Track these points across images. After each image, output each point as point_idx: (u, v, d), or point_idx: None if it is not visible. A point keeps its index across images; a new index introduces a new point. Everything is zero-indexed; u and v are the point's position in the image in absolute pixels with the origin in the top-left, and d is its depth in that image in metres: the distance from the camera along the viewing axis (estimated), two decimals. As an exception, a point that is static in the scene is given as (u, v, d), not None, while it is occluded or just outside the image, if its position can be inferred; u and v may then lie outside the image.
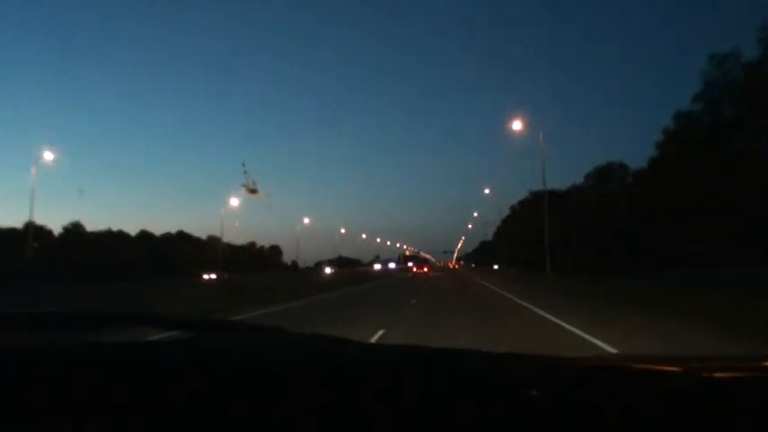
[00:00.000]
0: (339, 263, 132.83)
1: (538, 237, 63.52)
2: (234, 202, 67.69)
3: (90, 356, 1.02)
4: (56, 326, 1.18)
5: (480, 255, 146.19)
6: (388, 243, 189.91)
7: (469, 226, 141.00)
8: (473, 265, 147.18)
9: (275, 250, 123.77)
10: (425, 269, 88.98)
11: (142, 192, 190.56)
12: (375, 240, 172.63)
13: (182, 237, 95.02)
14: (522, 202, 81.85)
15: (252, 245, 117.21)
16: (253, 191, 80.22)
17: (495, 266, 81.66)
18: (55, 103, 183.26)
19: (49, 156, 39.27)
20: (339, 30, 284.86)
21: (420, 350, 1.04)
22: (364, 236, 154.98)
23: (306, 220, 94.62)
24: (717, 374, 0.96)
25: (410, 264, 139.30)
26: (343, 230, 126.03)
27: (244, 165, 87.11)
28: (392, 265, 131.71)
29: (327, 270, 77.61)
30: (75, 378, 0.94)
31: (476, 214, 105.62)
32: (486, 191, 70.18)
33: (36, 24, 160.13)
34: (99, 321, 1.18)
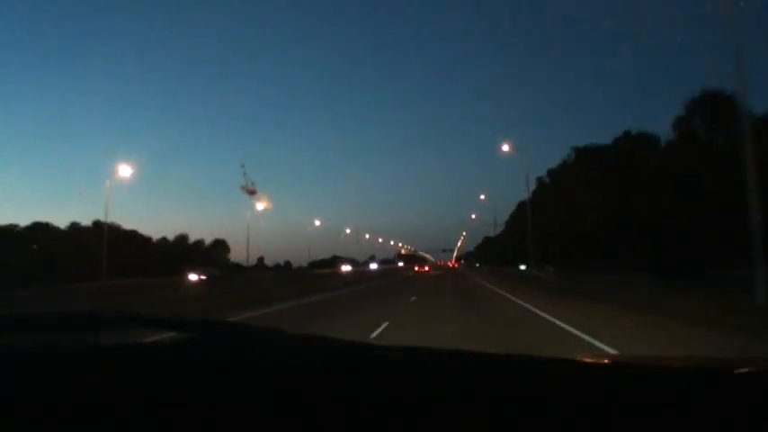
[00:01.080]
0: (332, 262, 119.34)
1: (602, 220, 38.20)
2: (124, 171, 43.09)
3: (90, 357, 1.06)
4: (56, 326, 1.18)
5: (484, 252, 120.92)
6: (380, 240, 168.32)
7: (473, 216, 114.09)
8: (477, 265, 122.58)
9: (220, 245, 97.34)
10: (426, 268, 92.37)
11: (142, 194, 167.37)
12: (365, 238, 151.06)
13: (98, 228, 72.18)
14: (551, 173, 55.06)
15: (182, 238, 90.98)
16: (251, 192, 76.08)
17: (523, 267, 55.07)
18: (52, 102, 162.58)
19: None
20: (339, 30, 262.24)
21: (418, 350, 1.05)
22: (348, 231, 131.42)
23: (259, 207, 73.52)
24: (716, 375, 0.98)
25: (401, 264, 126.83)
26: (317, 223, 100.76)
27: (243, 166, 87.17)
28: (374, 266, 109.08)
29: (193, 277, 52.23)
30: (75, 379, 0.97)
31: (482, 197, 79.01)
32: (505, 147, 41.74)
33: (33, 23, 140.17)
34: (98, 322, 1.20)
